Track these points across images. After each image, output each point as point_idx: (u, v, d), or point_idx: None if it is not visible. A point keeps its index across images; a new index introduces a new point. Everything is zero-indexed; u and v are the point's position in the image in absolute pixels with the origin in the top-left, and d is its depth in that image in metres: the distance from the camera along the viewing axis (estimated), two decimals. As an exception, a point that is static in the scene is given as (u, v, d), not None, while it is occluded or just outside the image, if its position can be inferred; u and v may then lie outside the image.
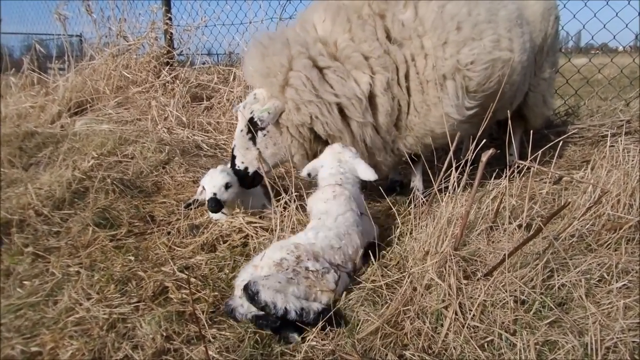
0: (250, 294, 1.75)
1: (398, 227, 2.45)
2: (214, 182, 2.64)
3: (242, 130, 2.75)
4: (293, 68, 2.63)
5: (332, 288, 1.93)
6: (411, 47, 2.77)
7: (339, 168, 2.41)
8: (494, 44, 2.88)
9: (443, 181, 2.28)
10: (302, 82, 2.59)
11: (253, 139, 2.75)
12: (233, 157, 2.80)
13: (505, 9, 3.04)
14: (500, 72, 2.93)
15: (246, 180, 2.78)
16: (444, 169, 2.27)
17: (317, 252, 2.01)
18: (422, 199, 2.53)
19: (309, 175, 2.53)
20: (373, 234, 2.35)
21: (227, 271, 2.25)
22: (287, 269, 1.88)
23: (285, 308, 1.74)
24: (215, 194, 2.59)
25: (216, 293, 2.06)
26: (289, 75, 2.62)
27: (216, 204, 2.57)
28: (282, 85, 2.62)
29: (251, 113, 2.70)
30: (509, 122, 2.55)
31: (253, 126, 2.71)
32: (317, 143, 2.78)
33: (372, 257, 2.16)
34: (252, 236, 2.52)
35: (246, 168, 2.77)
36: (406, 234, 2.36)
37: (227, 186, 2.63)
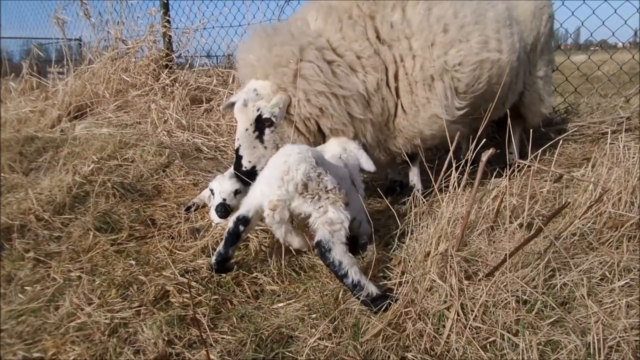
0: (322, 250, 1.93)
1: (398, 227, 2.45)
2: (223, 188, 2.66)
3: (247, 130, 2.68)
4: (304, 58, 2.60)
5: (347, 200, 2.10)
6: (400, 48, 2.78)
7: (342, 154, 2.52)
8: (481, 46, 2.88)
9: (443, 181, 2.27)
10: (315, 72, 2.58)
11: (259, 137, 2.69)
12: (239, 158, 2.71)
13: (493, 9, 3.04)
14: (489, 73, 2.94)
15: (253, 178, 2.75)
16: (444, 169, 2.27)
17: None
18: (422, 199, 2.53)
19: None
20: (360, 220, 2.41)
21: (228, 274, 2.25)
22: (312, 197, 2.01)
23: (347, 272, 1.89)
24: (224, 200, 2.61)
25: (217, 297, 2.06)
26: (301, 65, 2.59)
27: (225, 210, 2.59)
28: (294, 75, 2.59)
29: (258, 110, 2.64)
30: (509, 121, 2.55)
31: (261, 124, 2.66)
32: (320, 137, 2.78)
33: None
34: (252, 238, 2.52)
35: (254, 167, 2.70)
36: (407, 234, 2.36)
37: (236, 192, 2.66)
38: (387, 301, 1.88)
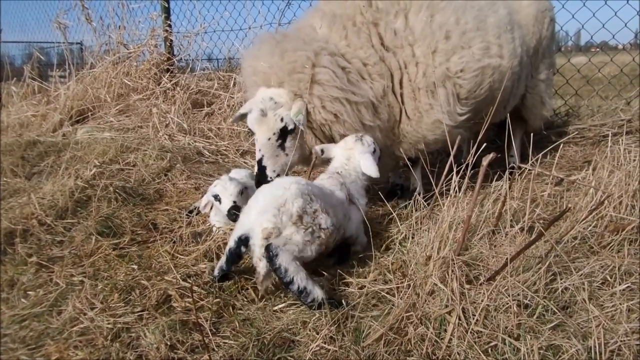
0: (270, 255, 1.93)
1: (400, 231, 2.46)
2: (230, 191, 2.67)
3: (269, 139, 2.62)
4: (318, 64, 2.58)
5: (330, 244, 2.16)
6: (403, 54, 2.79)
7: (344, 166, 2.55)
8: (482, 52, 2.89)
9: (444, 185, 2.28)
10: (331, 77, 2.56)
11: (282, 145, 2.65)
12: (263, 168, 2.64)
13: (494, 15, 3.05)
14: (491, 79, 2.94)
15: None
16: (445, 173, 2.28)
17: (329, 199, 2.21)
18: (423, 203, 2.53)
19: (321, 151, 2.62)
20: (356, 231, 2.43)
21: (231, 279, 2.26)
22: (306, 229, 2.03)
23: (293, 278, 1.91)
24: (235, 202, 2.62)
25: (219, 301, 2.07)
26: (315, 71, 2.57)
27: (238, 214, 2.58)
28: (309, 82, 2.56)
29: (281, 120, 2.59)
30: (509, 124, 2.56)
31: (284, 132, 2.62)
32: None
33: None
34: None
35: (278, 175, 2.65)
36: (408, 238, 2.36)
37: (242, 192, 2.70)
38: (333, 301, 1.96)
